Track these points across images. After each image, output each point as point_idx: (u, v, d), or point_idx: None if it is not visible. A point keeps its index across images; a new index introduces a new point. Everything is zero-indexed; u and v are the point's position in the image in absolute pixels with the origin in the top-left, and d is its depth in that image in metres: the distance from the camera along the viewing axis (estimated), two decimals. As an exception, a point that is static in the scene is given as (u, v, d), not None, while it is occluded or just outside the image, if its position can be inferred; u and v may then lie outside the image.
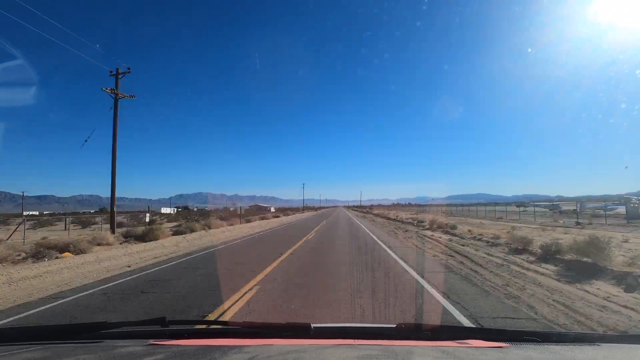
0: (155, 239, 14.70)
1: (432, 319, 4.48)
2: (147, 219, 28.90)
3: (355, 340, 1.41)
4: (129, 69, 17.40)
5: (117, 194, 16.89)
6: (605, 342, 1.35)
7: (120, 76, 17.16)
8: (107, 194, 17.30)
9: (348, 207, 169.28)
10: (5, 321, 4.89)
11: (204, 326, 1.77)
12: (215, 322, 1.87)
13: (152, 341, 1.40)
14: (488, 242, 12.53)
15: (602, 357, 1.23)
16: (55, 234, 20.60)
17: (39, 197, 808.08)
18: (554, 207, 40.99)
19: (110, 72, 17.33)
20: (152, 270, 8.62)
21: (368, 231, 19.94)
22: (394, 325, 1.47)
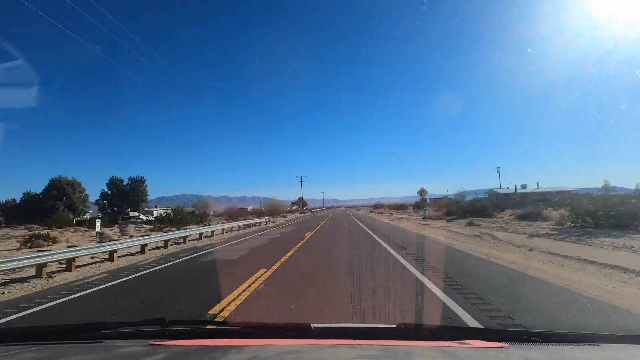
0: None
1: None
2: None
3: (355, 340, 1.40)
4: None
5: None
6: (605, 343, 1.35)
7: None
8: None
9: (351, 208, 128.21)
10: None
11: (204, 326, 1.77)
12: (215, 322, 1.87)
13: (152, 341, 1.40)
14: None
15: (603, 357, 1.23)
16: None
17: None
18: None
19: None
20: None
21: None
22: (394, 325, 1.46)
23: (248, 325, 1.62)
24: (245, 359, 1.14)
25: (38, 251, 11.51)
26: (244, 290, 6.14)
